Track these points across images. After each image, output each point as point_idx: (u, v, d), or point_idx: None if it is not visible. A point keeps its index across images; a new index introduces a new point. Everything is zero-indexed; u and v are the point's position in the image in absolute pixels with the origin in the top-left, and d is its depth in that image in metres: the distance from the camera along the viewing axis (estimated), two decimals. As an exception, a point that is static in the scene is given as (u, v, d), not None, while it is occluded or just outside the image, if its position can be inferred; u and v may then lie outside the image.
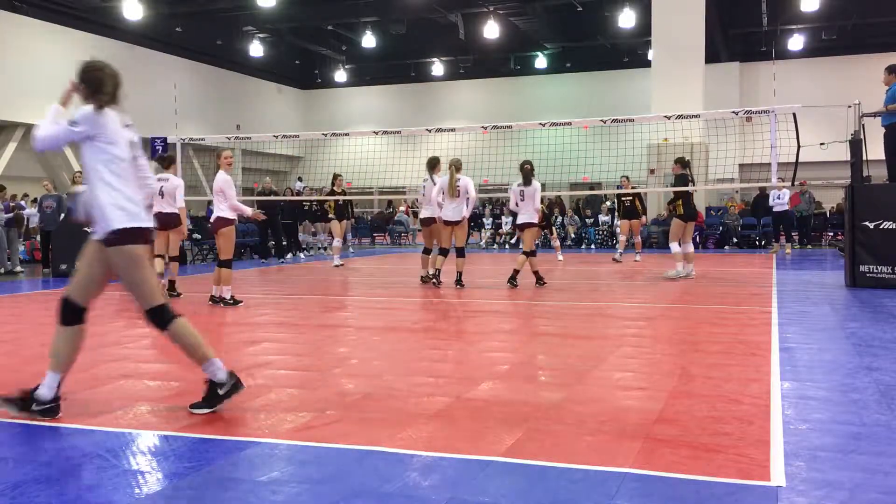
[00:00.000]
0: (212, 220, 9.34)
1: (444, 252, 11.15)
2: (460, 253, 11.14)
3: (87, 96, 4.34)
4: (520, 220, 11.15)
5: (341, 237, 15.77)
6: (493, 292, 11.04)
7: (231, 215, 9.09)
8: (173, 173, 10.25)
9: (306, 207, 19.42)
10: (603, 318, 8.34)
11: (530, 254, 11.02)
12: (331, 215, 16.07)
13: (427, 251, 11.81)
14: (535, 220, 11.12)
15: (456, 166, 10.91)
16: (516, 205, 11.10)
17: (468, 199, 10.84)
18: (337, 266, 15.09)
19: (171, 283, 10.18)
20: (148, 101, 26.26)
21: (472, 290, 10.76)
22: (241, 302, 9.28)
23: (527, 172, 11.06)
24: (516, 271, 10.94)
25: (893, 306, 8.53)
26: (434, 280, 11.10)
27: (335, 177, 15.62)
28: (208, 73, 29.78)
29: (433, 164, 11.45)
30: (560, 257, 16.59)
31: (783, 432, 3.76)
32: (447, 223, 10.98)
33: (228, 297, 9.22)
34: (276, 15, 25.78)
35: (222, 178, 9.03)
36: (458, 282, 10.87)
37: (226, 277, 9.18)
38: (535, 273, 11.05)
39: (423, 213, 11.59)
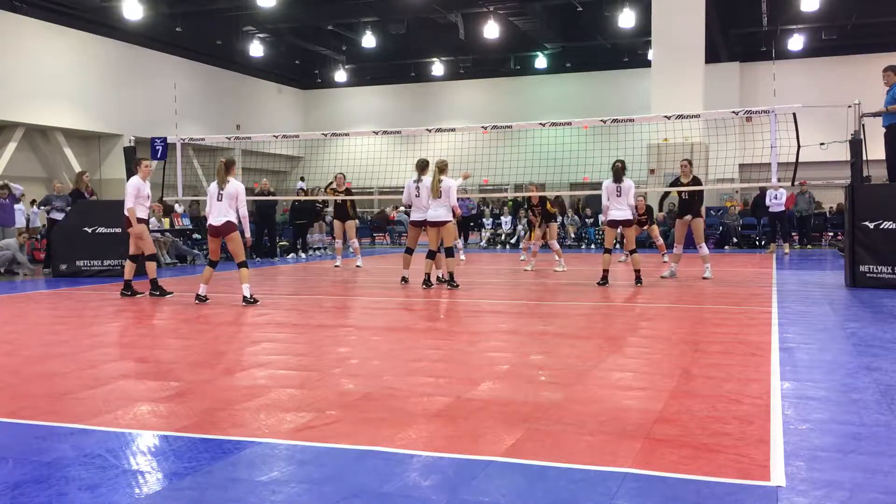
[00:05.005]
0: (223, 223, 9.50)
1: (431, 255, 11.09)
2: (449, 253, 11.12)
3: None
4: (616, 217, 11.13)
5: (340, 237, 15.70)
6: (492, 292, 11.04)
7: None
8: (141, 177, 10.49)
9: (319, 207, 19.36)
10: (603, 318, 8.34)
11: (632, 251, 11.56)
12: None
13: (410, 251, 11.79)
14: (632, 218, 11.29)
15: (440, 168, 10.89)
16: (608, 201, 11.15)
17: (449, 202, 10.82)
18: (337, 266, 15.16)
19: (127, 283, 10.36)
20: (148, 101, 26.33)
21: (472, 290, 10.76)
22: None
23: (618, 170, 11.09)
24: (637, 271, 11.18)
25: (893, 306, 8.53)
26: (425, 283, 11.04)
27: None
28: (208, 73, 29.79)
29: (423, 167, 11.42)
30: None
31: (783, 432, 3.76)
32: (433, 224, 10.96)
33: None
34: (276, 15, 25.76)
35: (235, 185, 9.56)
36: (451, 282, 10.86)
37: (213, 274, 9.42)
38: (637, 272, 11.19)
39: (414, 215, 11.52)
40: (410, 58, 32.55)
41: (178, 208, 19.58)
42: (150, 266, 10.38)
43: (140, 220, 10.30)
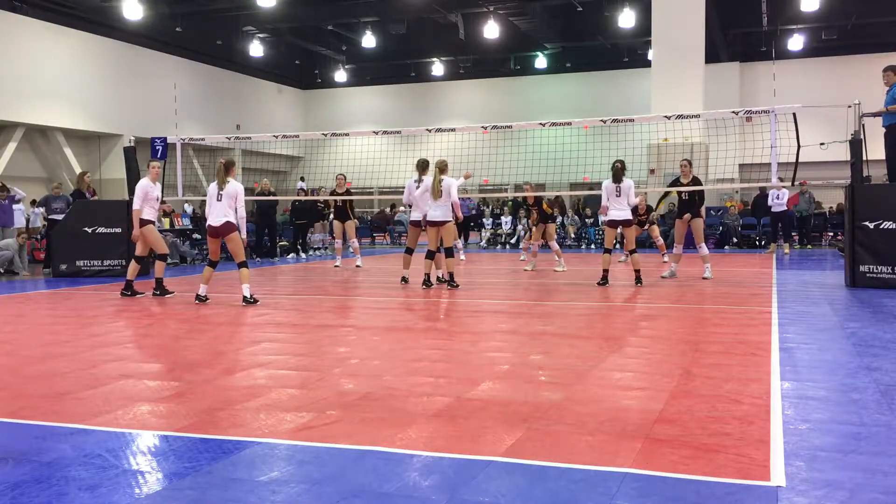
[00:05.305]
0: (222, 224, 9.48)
1: (430, 255, 11.07)
2: (448, 253, 11.13)
3: None
4: (615, 217, 11.15)
5: (340, 238, 15.68)
6: (492, 292, 11.04)
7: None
8: (150, 179, 10.53)
9: (320, 207, 19.35)
10: (603, 318, 8.34)
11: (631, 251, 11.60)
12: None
13: (409, 251, 11.80)
14: (632, 218, 11.35)
15: (440, 168, 10.89)
16: (608, 202, 11.16)
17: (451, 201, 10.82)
18: (336, 266, 15.16)
19: (128, 283, 10.37)
20: (148, 101, 26.33)
21: (472, 290, 10.76)
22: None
23: (617, 170, 11.11)
24: (637, 271, 11.17)
25: (893, 306, 8.53)
26: (425, 283, 11.03)
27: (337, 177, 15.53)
28: (208, 73, 29.78)
29: (423, 167, 11.43)
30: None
31: (783, 432, 3.76)
32: (433, 224, 10.97)
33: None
34: (276, 15, 25.77)
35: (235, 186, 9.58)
36: (451, 282, 10.87)
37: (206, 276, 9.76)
38: (637, 272, 11.18)
39: (414, 215, 11.54)
40: (410, 58, 32.55)
41: (188, 208, 19.60)
42: (159, 265, 10.45)
43: (147, 221, 10.31)
